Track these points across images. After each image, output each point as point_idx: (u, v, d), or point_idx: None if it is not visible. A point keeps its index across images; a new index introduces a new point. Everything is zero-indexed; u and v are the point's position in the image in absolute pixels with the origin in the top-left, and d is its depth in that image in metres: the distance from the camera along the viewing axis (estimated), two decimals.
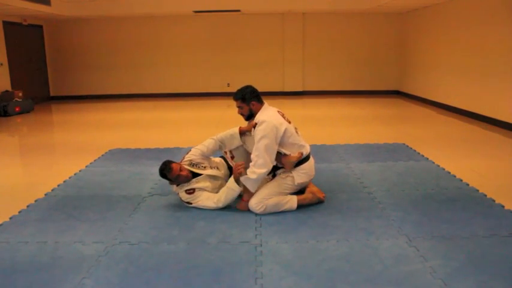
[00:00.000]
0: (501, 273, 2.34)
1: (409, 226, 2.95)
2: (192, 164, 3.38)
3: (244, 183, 3.16)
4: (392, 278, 2.31)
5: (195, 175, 3.34)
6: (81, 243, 2.79)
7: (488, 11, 6.79)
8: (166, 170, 3.26)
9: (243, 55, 10.98)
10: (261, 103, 3.31)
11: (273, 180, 3.31)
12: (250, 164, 3.13)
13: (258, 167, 3.08)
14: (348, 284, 2.26)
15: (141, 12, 9.94)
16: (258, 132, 3.11)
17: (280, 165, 3.32)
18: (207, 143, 3.44)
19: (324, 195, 3.43)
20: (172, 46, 10.97)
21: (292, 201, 3.24)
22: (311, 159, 3.36)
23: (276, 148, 3.14)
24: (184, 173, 3.27)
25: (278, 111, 3.31)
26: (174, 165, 3.27)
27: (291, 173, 3.26)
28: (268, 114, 3.21)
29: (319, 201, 3.38)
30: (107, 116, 8.48)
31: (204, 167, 3.40)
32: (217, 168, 3.50)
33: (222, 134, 3.42)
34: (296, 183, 3.26)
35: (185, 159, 3.41)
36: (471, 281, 2.27)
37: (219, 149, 3.47)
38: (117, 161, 4.80)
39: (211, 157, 3.59)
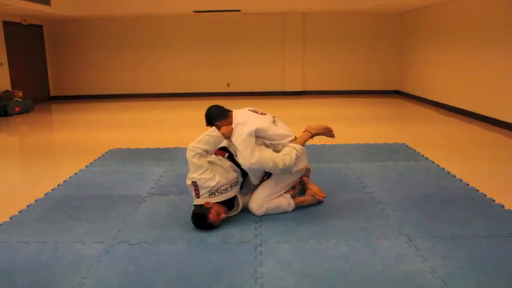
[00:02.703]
0: (501, 273, 2.34)
1: (409, 226, 2.95)
2: (212, 193, 2.97)
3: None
4: (392, 278, 2.31)
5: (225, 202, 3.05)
6: (81, 243, 2.79)
7: (488, 11, 6.79)
8: (207, 225, 2.93)
9: (243, 55, 10.98)
10: (226, 117, 3.19)
11: (270, 179, 3.25)
12: None
13: (242, 160, 3.05)
14: (348, 284, 2.26)
15: (141, 12, 9.93)
16: (234, 136, 3.10)
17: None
18: (199, 162, 2.96)
19: (323, 195, 3.43)
20: (172, 46, 10.97)
21: (291, 203, 3.24)
22: None
23: (251, 141, 3.04)
24: (222, 214, 3.00)
25: (248, 109, 3.27)
26: (210, 215, 2.91)
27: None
28: (241, 118, 3.16)
29: (319, 202, 3.39)
30: (107, 116, 8.48)
31: (225, 189, 3.03)
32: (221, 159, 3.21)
33: (203, 145, 3.01)
34: (294, 171, 3.16)
35: (203, 193, 2.96)
36: (471, 281, 2.27)
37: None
38: (117, 161, 4.79)
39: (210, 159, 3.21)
